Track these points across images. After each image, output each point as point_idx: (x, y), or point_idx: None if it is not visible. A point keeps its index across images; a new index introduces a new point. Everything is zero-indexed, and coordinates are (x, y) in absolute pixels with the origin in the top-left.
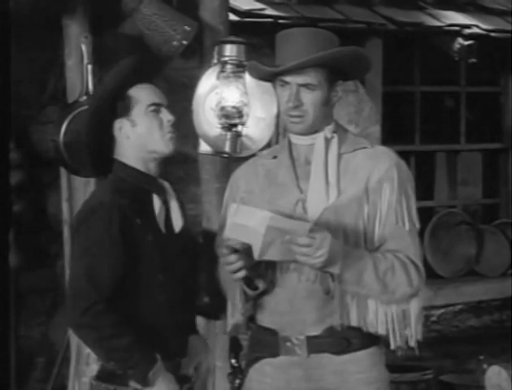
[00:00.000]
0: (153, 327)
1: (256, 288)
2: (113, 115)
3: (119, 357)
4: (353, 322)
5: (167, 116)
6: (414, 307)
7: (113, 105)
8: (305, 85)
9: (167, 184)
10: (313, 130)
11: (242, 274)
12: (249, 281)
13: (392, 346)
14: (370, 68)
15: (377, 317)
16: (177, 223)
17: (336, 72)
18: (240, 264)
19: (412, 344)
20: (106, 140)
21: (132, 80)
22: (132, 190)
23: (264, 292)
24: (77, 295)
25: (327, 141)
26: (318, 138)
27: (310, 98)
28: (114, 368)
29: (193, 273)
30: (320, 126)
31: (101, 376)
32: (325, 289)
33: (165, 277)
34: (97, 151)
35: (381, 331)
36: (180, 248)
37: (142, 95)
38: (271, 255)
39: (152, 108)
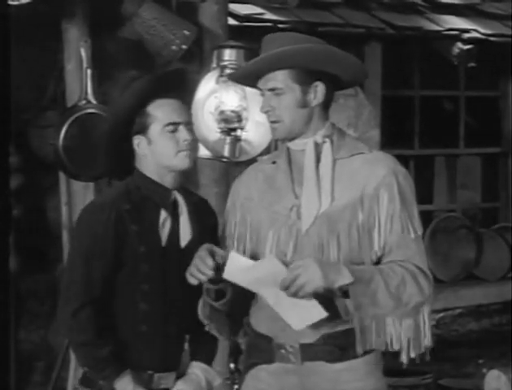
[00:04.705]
0: (127, 335)
1: (220, 298)
2: (131, 131)
3: (95, 366)
4: (375, 346)
5: (184, 135)
6: (425, 314)
7: (132, 121)
8: (272, 90)
9: (180, 198)
10: (295, 134)
11: (194, 282)
12: (213, 292)
13: (406, 359)
14: (361, 69)
15: (393, 334)
16: (185, 237)
17: (309, 73)
18: (203, 277)
19: (423, 350)
20: (126, 153)
21: (151, 97)
22: (138, 197)
23: (236, 302)
24: (70, 293)
25: (318, 146)
26: (308, 143)
27: (278, 102)
28: (88, 374)
29: (197, 289)
30: (305, 129)
31: (85, 381)
32: (342, 313)
33: (151, 288)
34: (118, 160)
35: (397, 347)
36: (183, 262)
37: (160, 113)
38: (301, 321)
39: (169, 128)
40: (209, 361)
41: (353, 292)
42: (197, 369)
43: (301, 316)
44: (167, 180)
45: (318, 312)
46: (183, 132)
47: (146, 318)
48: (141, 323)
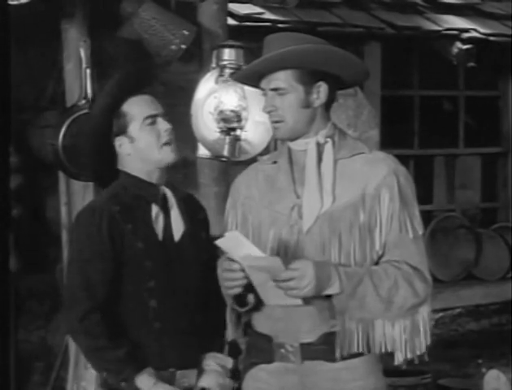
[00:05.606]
0: (142, 334)
1: (245, 304)
2: (112, 134)
3: (112, 368)
4: (359, 349)
5: (163, 126)
6: (423, 314)
7: (110, 123)
8: (275, 90)
9: (168, 192)
10: (298, 134)
11: (238, 291)
12: (238, 298)
13: (400, 360)
14: (362, 69)
15: (385, 336)
16: (177, 231)
17: (312, 73)
18: (242, 282)
19: (422, 350)
20: (109, 156)
21: (124, 96)
22: (128, 197)
23: (254, 308)
24: (73, 300)
25: (320, 146)
26: (310, 143)
27: (281, 102)
28: (107, 378)
29: (199, 281)
30: (307, 129)
31: (105, 385)
32: (330, 314)
33: (157, 283)
34: (100, 166)
35: (390, 348)
36: (181, 255)
37: (136, 109)
38: (276, 299)
39: (148, 121)
40: (219, 351)
41: (337, 299)
42: (208, 360)
43: (277, 294)
44: (154, 177)
45: (295, 299)
46: (162, 123)
47: (158, 315)
48: (153, 321)
